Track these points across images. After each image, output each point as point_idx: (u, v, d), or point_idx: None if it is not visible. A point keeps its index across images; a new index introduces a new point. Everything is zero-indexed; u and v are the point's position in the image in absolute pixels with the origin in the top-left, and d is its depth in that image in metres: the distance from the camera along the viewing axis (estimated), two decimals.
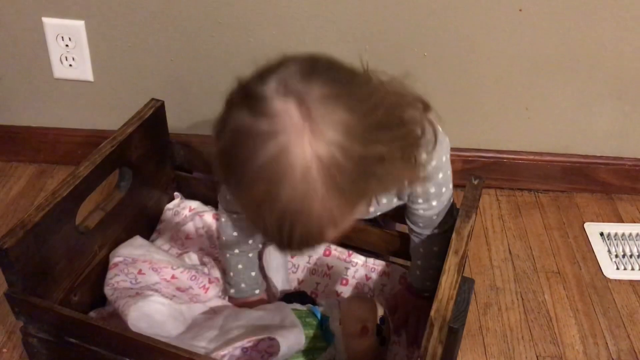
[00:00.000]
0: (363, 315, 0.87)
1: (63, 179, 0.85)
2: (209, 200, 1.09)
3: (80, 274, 0.90)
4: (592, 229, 1.27)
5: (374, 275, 1.03)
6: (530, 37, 1.16)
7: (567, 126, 1.28)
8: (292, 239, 0.58)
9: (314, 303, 0.93)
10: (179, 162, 1.09)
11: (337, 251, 1.04)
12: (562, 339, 1.06)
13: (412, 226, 0.92)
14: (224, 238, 0.96)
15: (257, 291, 0.98)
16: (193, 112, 1.26)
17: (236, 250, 0.96)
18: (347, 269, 1.03)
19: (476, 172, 1.32)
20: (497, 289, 1.14)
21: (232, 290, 0.98)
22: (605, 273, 1.18)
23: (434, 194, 0.86)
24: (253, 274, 0.97)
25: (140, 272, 0.91)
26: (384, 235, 1.03)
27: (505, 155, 1.32)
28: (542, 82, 1.22)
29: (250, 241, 0.96)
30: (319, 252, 1.05)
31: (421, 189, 0.84)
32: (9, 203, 1.26)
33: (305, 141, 0.55)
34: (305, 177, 0.55)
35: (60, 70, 1.24)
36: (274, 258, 0.99)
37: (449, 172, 0.86)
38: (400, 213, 0.91)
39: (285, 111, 0.55)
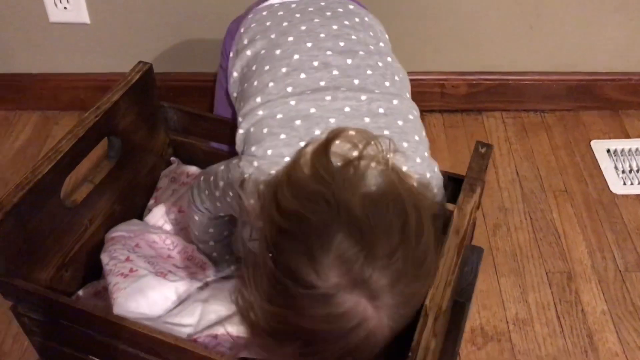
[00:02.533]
0: None
1: (44, 154, 0.80)
2: (208, 165, 1.04)
3: (71, 249, 0.87)
4: (599, 146, 1.27)
5: None
6: None
7: (572, 44, 1.26)
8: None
9: None
10: (173, 126, 1.03)
11: None
12: (571, 255, 1.08)
13: None
14: (196, 233, 0.90)
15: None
16: (193, 49, 1.24)
17: (211, 243, 0.91)
18: None
19: (481, 96, 1.32)
20: (505, 209, 1.15)
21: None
22: (612, 189, 1.19)
23: None
24: (217, 256, 0.93)
25: (137, 245, 0.90)
26: None
27: (510, 77, 1.31)
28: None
29: (226, 233, 0.91)
30: None
31: None
32: (17, 152, 1.27)
33: (384, 324, 0.58)
34: (384, 339, 0.59)
35: (55, 14, 1.21)
36: None
37: None
38: None
39: (357, 308, 0.57)
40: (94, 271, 0.92)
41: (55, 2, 1.19)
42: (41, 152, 1.26)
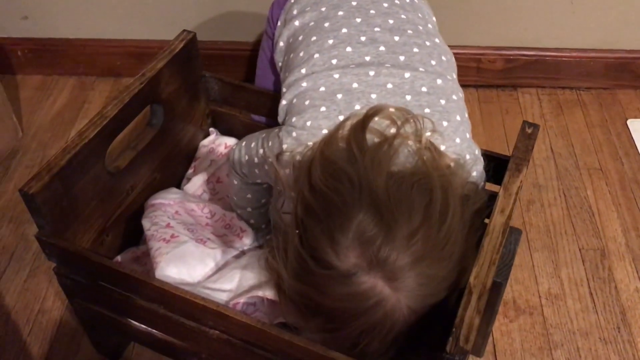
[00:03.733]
0: None
1: (90, 119, 0.81)
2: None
3: (112, 214, 0.88)
4: (635, 126, 1.26)
5: None
6: None
7: (612, 20, 1.25)
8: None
9: None
10: (213, 96, 1.03)
11: None
12: (605, 233, 1.08)
13: None
14: (235, 198, 0.92)
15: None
16: (232, 18, 1.25)
17: (249, 209, 0.92)
18: None
19: (518, 71, 1.31)
20: (539, 186, 1.15)
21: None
22: None
23: None
24: (255, 222, 0.94)
25: (177, 212, 0.91)
26: None
27: (547, 53, 1.30)
28: None
29: (264, 201, 0.92)
30: None
31: None
32: (55, 116, 1.29)
33: (403, 305, 0.58)
34: (405, 322, 0.60)
35: None
36: None
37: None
38: None
39: (375, 289, 0.58)
40: (133, 237, 0.94)
41: None
42: (78, 116, 1.28)
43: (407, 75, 0.74)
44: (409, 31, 0.79)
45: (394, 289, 0.58)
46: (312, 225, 0.60)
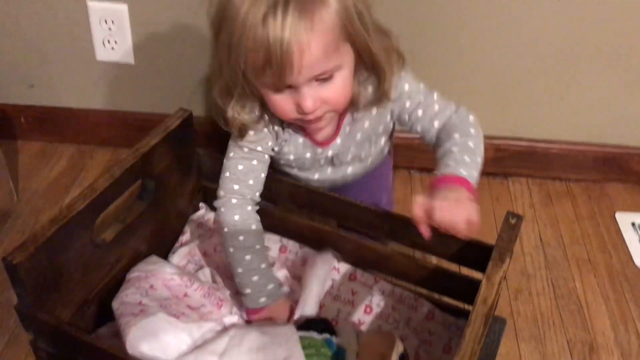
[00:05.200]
0: (381, 350, 0.81)
1: (80, 192, 0.82)
2: None
3: (96, 286, 0.88)
4: (624, 219, 1.28)
5: (401, 307, 0.95)
6: (567, 27, 1.17)
7: (601, 116, 1.29)
8: (289, 2, 0.70)
9: (333, 332, 0.86)
10: (205, 172, 1.03)
11: (363, 277, 0.97)
12: (593, 326, 1.07)
13: (426, 128, 0.88)
14: (230, 250, 0.90)
15: (269, 300, 0.89)
16: None
17: (247, 257, 0.89)
18: (372, 296, 0.95)
19: (508, 161, 1.34)
20: (528, 275, 1.15)
21: (245, 300, 0.90)
22: (636, 262, 1.19)
23: (413, 90, 0.87)
24: (258, 277, 0.90)
25: (152, 287, 0.89)
26: (413, 264, 0.93)
27: (538, 144, 1.33)
28: (577, 72, 1.23)
29: (263, 265, 0.91)
30: (345, 277, 0.97)
31: (398, 93, 0.86)
32: (51, 182, 1.30)
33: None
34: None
35: (103, 53, 1.27)
36: (314, 280, 0.93)
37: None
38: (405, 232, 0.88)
39: None
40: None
41: (103, 42, 1.25)
42: (74, 184, 1.30)
43: None
44: None
45: None
46: None
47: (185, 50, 1.25)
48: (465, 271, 0.90)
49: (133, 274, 0.91)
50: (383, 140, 0.97)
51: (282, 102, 0.79)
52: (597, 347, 1.03)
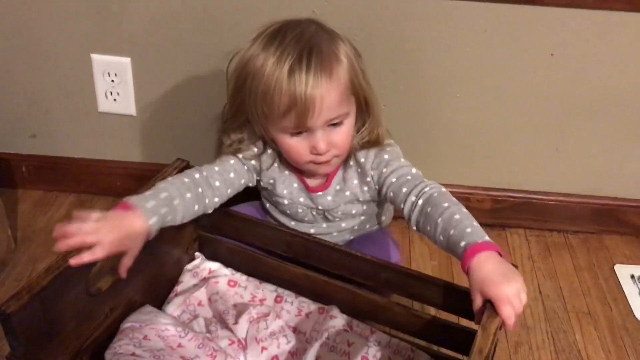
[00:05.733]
0: None
1: None
2: (230, 263, 1.05)
3: (89, 336, 0.87)
4: (623, 271, 1.27)
5: (397, 358, 0.93)
6: (561, 81, 1.19)
7: (597, 168, 1.30)
8: (311, 60, 0.84)
9: None
10: (202, 222, 1.03)
11: (359, 327, 0.96)
12: None
13: (407, 196, 0.89)
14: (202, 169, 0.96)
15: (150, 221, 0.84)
16: None
17: (169, 178, 0.92)
18: (368, 347, 0.93)
19: (506, 212, 1.35)
20: (527, 327, 1.14)
21: (132, 198, 0.85)
22: (637, 315, 1.17)
23: (392, 158, 0.96)
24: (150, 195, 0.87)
25: (145, 337, 0.88)
26: (410, 315, 0.93)
27: (535, 196, 1.34)
28: (573, 124, 1.25)
29: (207, 200, 0.93)
30: (340, 328, 0.95)
31: (377, 160, 0.96)
32: (50, 231, 1.29)
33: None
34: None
35: (105, 105, 1.29)
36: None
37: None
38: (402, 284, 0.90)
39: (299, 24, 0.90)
40: None
41: (106, 94, 1.27)
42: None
43: None
44: None
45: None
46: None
47: (185, 102, 1.27)
48: (465, 322, 0.89)
49: (127, 324, 0.90)
50: (373, 205, 1.03)
51: (298, 145, 0.91)
52: None
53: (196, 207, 0.92)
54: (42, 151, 1.37)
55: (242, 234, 1.02)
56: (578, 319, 1.17)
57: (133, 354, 0.84)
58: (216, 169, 0.97)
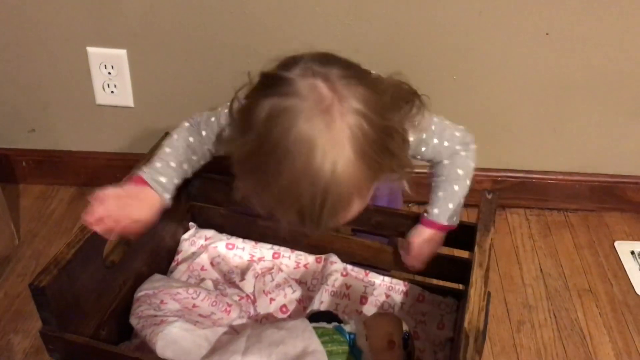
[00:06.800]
0: (388, 329, 0.88)
1: None
2: (224, 228, 1.10)
3: (108, 308, 0.91)
4: (623, 248, 1.28)
5: (392, 294, 1.02)
6: (557, 60, 1.19)
7: (595, 146, 1.30)
8: (324, 209, 0.65)
9: (339, 321, 0.94)
10: (194, 193, 1.08)
11: (354, 271, 1.03)
12: (597, 356, 1.06)
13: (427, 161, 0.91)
14: (167, 150, 0.92)
15: (166, 195, 0.88)
16: None
17: (167, 150, 0.92)
18: (365, 287, 1.02)
19: (505, 192, 1.35)
20: (529, 306, 1.15)
21: (144, 169, 0.89)
22: (637, 291, 1.19)
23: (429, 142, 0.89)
24: (174, 165, 0.91)
25: (162, 302, 0.93)
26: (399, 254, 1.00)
27: (534, 175, 1.34)
28: (569, 104, 1.25)
29: (195, 157, 0.93)
30: (337, 274, 1.02)
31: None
32: (52, 225, 1.31)
33: (335, 111, 0.63)
34: (336, 143, 0.63)
35: (103, 97, 1.29)
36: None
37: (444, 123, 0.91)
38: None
39: (314, 87, 0.64)
40: (126, 331, 0.94)
41: (103, 87, 1.27)
42: (75, 226, 1.30)
43: None
44: None
45: (332, 89, 0.64)
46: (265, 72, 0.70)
47: (183, 92, 1.27)
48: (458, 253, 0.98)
49: (140, 292, 0.94)
50: None
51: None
52: None
53: (201, 162, 0.95)
54: (42, 145, 1.38)
55: (233, 199, 1.03)
56: (579, 297, 1.18)
57: (155, 316, 0.89)
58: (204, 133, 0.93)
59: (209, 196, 1.08)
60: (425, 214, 0.93)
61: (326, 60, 0.68)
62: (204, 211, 1.11)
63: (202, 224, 1.12)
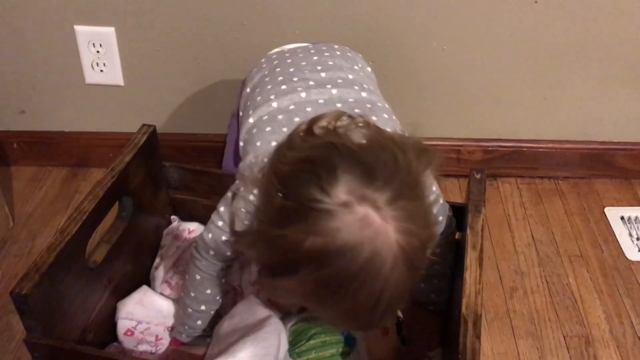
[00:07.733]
0: None
1: (69, 215, 0.84)
2: (208, 219, 1.04)
3: (93, 310, 0.89)
4: (613, 214, 1.30)
5: None
6: (546, 28, 1.19)
7: (585, 114, 1.31)
8: (384, 318, 0.66)
9: None
10: (174, 185, 1.07)
11: None
12: (588, 320, 1.08)
13: None
14: (192, 295, 0.89)
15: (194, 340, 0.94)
16: (219, 111, 1.30)
17: (202, 307, 0.90)
18: None
19: (496, 162, 1.36)
20: (522, 273, 1.17)
21: (183, 335, 0.93)
22: (627, 255, 1.20)
23: None
24: (202, 324, 0.93)
25: (157, 338, 0.94)
26: None
27: (524, 144, 1.35)
28: (559, 71, 1.25)
29: (218, 297, 0.91)
30: None
31: None
32: (46, 206, 1.31)
33: (392, 238, 0.61)
34: (395, 267, 0.61)
35: (92, 76, 1.28)
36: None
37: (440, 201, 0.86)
38: None
39: (366, 217, 0.60)
40: (112, 333, 0.95)
41: (92, 65, 1.26)
42: (69, 206, 1.31)
43: (334, 91, 0.86)
44: (334, 67, 0.91)
45: (383, 217, 0.60)
46: (297, 183, 0.62)
47: (173, 69, 1.27)
48: None
49: (129, 321, 0.95)
50: None
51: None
52: (593, 340, 1.05)
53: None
54: (33, 127, 1.37)
55: (216, 190, 1.01)
56: (570, 262, 1.20)
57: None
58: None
59: (191, 188, 1.06)
60: None
61: (364, 170, 0.62)
62: (186, 203, 1.09)
63: (184, 217, 1.10)
